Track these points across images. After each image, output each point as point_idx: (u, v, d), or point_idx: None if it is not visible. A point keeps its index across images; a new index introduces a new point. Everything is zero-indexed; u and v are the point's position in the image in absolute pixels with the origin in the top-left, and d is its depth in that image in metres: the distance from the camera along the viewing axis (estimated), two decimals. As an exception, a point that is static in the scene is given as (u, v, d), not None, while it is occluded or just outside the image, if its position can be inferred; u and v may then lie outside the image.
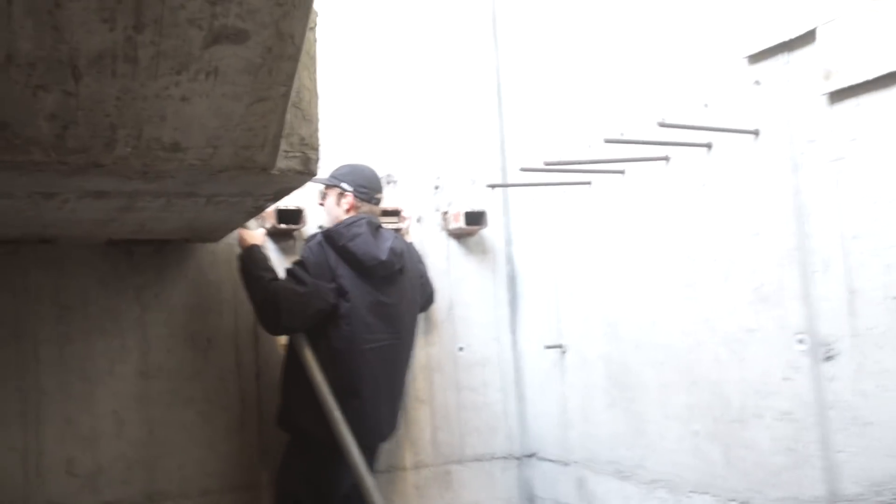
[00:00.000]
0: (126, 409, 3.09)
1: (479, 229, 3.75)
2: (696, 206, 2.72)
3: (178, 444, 3.16)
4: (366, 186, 3.17)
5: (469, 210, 3.69)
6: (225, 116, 1.63)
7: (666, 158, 2.80)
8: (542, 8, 3.66)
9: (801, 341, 2.37)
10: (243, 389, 3.30)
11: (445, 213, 3.79)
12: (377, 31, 3.73)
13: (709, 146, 2.61)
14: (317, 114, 1.89)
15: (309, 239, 3.20)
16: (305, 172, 1.88)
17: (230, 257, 3.30)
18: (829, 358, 2.28)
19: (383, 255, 3.04)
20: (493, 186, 3.21)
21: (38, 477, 2.93)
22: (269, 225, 3.29)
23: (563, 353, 3.54)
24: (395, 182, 3.71)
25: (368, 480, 2.95)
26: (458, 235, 3.81)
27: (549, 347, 3.57)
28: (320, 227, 3.24)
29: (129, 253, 3.16)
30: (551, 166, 2.64)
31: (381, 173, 3.61)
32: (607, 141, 2.49)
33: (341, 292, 2.98)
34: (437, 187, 3.81)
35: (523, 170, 2.90)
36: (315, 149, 1.88)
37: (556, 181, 3.31)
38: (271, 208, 3.29)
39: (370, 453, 3.09)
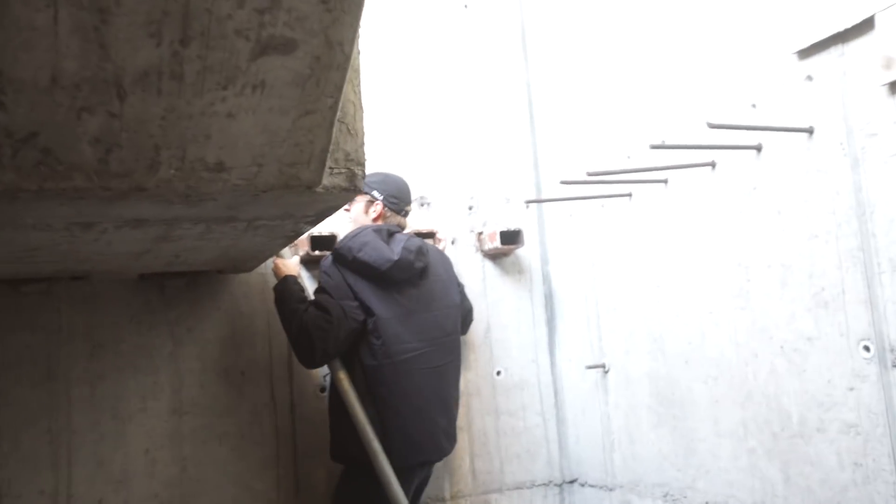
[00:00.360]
0: (158, 447, 3.01)
1: (516, 248, 3.67)
2: (747, 212, 2.64)
3: (212, 483, 3.07)
4: (396, 197, 3.11)
5: (504, 229, 3.61)
6: (271, 132, 1.56)
7: (712, 164, 2.72)
8: (571, 18, 3.62)
9: (866, 348, 2.27)
10: (278, 423, 3.21)
11: (480, 233, 3.71)
12: (405, 50, 3.69)
13: (758, 148, 2.53)
14: (362, 128, 1.82)
15: (322, 262, 3.13)
16: (351, 189, 1.80)
17: (264, 288, 3.24)
18: (899, 364, 2.18)
19: (395, 255, 2.95)
20: (530, 203, 3.14)
21: (71, 521, 2.85)
22: (302, 252, 3.22)
23: (606, 372, 3.44)
24: (428, 204, 3.64)
25: None
26: (494, 256, 3.73)
27: (590, 367, 3.47)
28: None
29: (161, 287, 3.09)
30: (593, 177, 2.56)
31: (413, 195, 3.56)
32: (652, 147, 2.41)
33: (365, 308, 2.90)
34: (471, 208, 3.74)
35: (564, 182, 2.83)
36: (361, 164, 1.81)
37: (594, 194, 3.23)
38: (304, 236, 3.23)
39: (428, 471, 3.04)
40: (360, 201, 3.11)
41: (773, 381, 2.56)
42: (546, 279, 3.84)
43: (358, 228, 3.00)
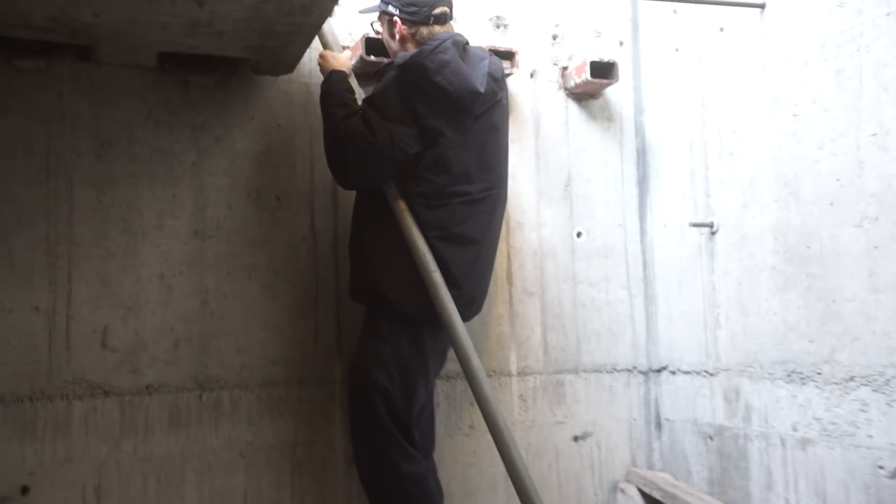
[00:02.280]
0: (176, 273, 2.50)
1: (607, 85, 3.05)
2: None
3: (237, 322, 2.57)
4: (414, 3, 2.43)
5: (596, 59, 2.99)
6: None
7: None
8: None
9: None
10: (318, 261, 2.69)
11: (565, 67, 3.10)
12: None
13: None
14: None
15: (381, 71, 2.56)
16: None
17: (307, 99, 2.70)
18: None
19: (481, 87, 2.36)
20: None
21: (66, 347, 2.37)
22: (355, 60, 2.65)
23: (713, 232, 2.82)
24: (505, 26, 3.03)
25: (476, 363, 2.31)
26: (580, 96, 3.12)
27: (695, 225, 2.86)
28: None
29: (185, 84, 2.56)
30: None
31: (487, 14, 2.96)
32: None
33: (428, 136, 2.33)
34: (555, 37, 3.12)
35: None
36: None
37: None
38: (359, 37, 2.66)
39: None
40: (384, 24, 2.52)
41: (966, 211, 1.94)
42: (639, 130, 3.22)
43: (434, 40, 2.38)
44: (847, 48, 2.28)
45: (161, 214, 2.50)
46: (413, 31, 2.44)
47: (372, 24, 2.58)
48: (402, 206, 2.35)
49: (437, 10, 2.45)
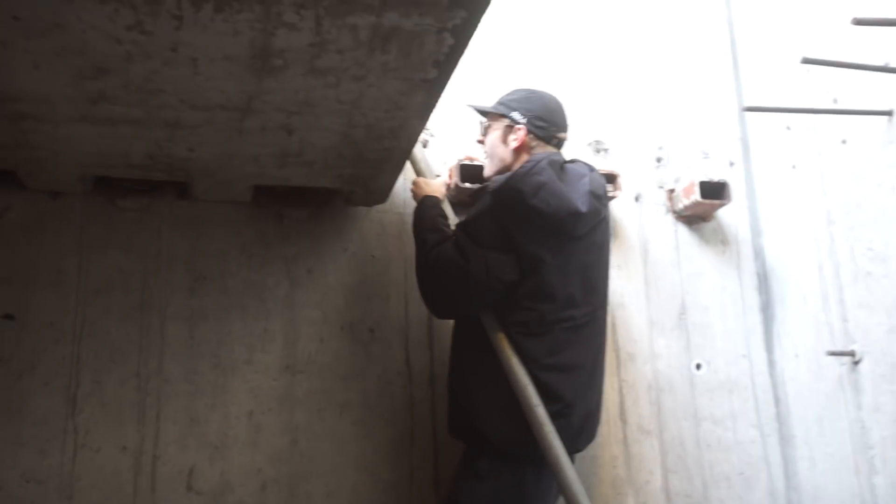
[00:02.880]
0: (265, 410, 2.38)
1: (719, 206, 2.84)
2: None
3: (328, 463, 2.39)
4: (544, 119, 2.34)
5: (705, 179, 2.81)
6: None
7: None
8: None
9: None
10: (413, 397, 2.51)
11: (672, 190, 2.93)
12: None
13: None
14: None
15: (475, 194, 2.47)
16: None
17: (401, 230, 2.63)
18: None
19: (584, 207, 2.19)
20: (750, 109, 2.34)
21: (151, 490, 2.25)
22: (451, 184, 2.59)
23: (856, 362, 2.49)
24: (605, 150, 2.93)
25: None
26: (690, 219, 2.93)
27: (833, 354, 2.53)
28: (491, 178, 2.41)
29: (279, 217, 2.55)
30: (863, 22, 1.76)
31: (586, 138, 2.88)
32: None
33: (527, 263, 2.16)
34: (659, 160, 2.98)
35: (806, 61, 2.03)
36: None
37: (839, 109, 2.40)
38: (454, 163, 2.61)
39: None
40: (496, 128, 2.40)
41: None
42: (758, 254, 2.97)
43: (529, 162, 2.27)
44: None
45: (251, 349, 2.42)
46: (534, 144, 2.34)
47: (481, 122, 2.51)
48: (500, 336, 2.17)
49: (561, 135, 2.39)
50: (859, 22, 1.77)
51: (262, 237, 2.51)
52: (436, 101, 1.87)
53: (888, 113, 2.39)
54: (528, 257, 2.16)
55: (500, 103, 2.41)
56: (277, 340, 2.45)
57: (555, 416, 2.09)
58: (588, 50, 3.00)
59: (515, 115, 2.35)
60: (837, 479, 2.55)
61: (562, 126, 2.39)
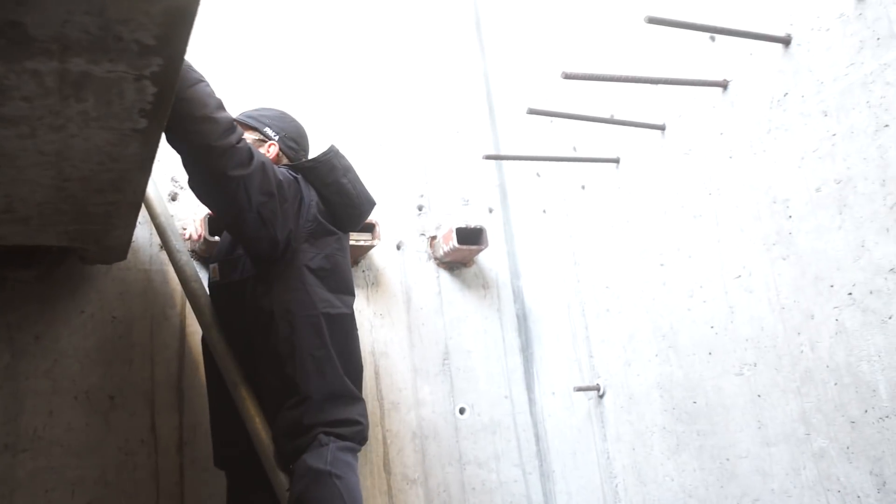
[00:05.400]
0: (-21, 498, 2.11)
1: (478, 251, 2.93)
2: (775, 124, 1.97)
3: (59, 551, 2.15)
4: (296, 142, 2.34)
5: (462, 226, 2.89)
6: None
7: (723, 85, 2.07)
8: (530, 6, 3.07)
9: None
10: (159, 467, 2.33)
11: (433, 237, 2.99)
12: (355, 26, 3.10)
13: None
14: None
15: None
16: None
17: (146, 287, 2.47)
18: None
19: (374, 200, 2.38)
20: (490, 157, 2.43)
21: None
22: (199, 236, 2.47)
23: (601, 396, 2.63)
24: (365, 199, 2.92)
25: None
26: (451, 265, 2.99)
27: (580, 389, 2.66)
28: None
29: (1, 280, 2.30)
30: (572, 76, 1.88)
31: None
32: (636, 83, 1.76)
33: (317, 235, 2.15)
34: (420, 208, 3.03)
35: (531, 112, 2.15)
36: None
37: (574, 157, 2.56)
38: (202, 215, 2.49)
39: None
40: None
41: (841, 346, 1.80)
42: (518, 296, 3.09)
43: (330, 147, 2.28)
44: (699, 193, 2.24)
45: (-37, 429, 2.14)
46: (284, 162, 2.28)
47: None
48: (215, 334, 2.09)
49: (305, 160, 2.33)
50: (568, 76, 1.90)
51: (-22, 302, 2.26)
52: (154, 150, 1.77)
53: (616, 160, 2.59)
54: (322, 229, 2.20)
55: (250, 117, 2.33)
56: (-5, 417, 2.19)
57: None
58: (349, 96, 3.01)
59: (268, 131, 2.31)
60: (591, 509, 2.66)
61: (307, 151, 2.40)
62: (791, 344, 1.93)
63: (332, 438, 1.98)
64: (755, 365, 2.03)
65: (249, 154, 1.99)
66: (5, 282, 2.30)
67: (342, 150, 2.33)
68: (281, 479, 1.99)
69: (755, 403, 2.03)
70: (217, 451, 2.21)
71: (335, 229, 2.21)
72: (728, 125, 2.13)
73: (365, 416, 2.10)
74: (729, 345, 2.12)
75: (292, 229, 2.07)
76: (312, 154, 2.34)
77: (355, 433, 2.04)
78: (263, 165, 2.02)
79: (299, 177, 2.19)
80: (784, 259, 1.95)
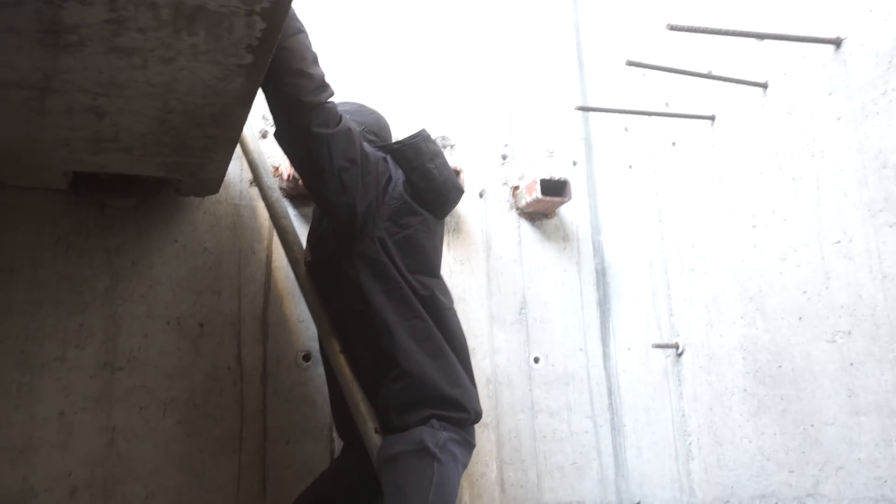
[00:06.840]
0: (78, 409, 2.23)
1: (560, 203, 2.90)
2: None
3: (149, 464, 2.27)
4: (376, 134, 2.32)
5: (546, 177, 2.86)
6: None
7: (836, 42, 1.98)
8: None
9: None
10: (244, 394, 2.42)
11: (516, 187, 2.97)
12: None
13: None
14: None
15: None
16: None
17: (235, 222, 2.53)
18: None
19: (464, 187, 2.41)
20: (582, 109, 2.39)
21: (-56, 499, 2.06)
22: (289, 175, 2.51)
23: (679, 354, 2.60)
24: (451, 146, 2.92)
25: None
26: (533, 215, 2.97)
27: (658, 346, 2.64)
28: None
29: (102, 206, 2.39)
30: (677, 28, 1.82)
31: (433, 134, 2.86)
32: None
33: (401, 214, 2.13)
34: (504, 157, 3.01)
35: (630, 63, 2.09)
36: None
37: (668, 112, 2.49)
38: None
39: None
40: None
41: (945, 320, 1.74)
42: (598, 251, 3.06)
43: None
44: (801, 154, 2.16)
45: (64, 344, 2.25)
46: None
47: None
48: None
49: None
50: (673, 28, 1.83)
51: (81, 226, 2.35)
52: (256, 87, 1.80)
53: (711, 118, 2.51)
54: (408, 209, 2.19)
55: None
56: (95, 335, 2.29)
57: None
58: (437, 46, 2.99)
59: None
60: (660, 465, 2.66)
61: (389, 142, 2.36)
62: (891, 314, 1.86)
63: (444, 424, 1.97)
64: (849, 333, 1.98)
65: (337, 116, 1.99)
66: (105, 208, 2.39)
67: (430, 129, 2.31)
68: (375, 441, 2.01)
69: (846, 371, 1.98)
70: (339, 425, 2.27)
71: (422, 210, 2.17)
72: (838, 85, 2.04)
73: (469, 399, 2.07)
74: (822, 311, 2.06)
75: (372, 202, 2.05)
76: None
77: (462, 419, 2.02)
78: (350, 131, 2.01)
79: (388, 157, 2.19)
80: (891, 227, 1.88)
